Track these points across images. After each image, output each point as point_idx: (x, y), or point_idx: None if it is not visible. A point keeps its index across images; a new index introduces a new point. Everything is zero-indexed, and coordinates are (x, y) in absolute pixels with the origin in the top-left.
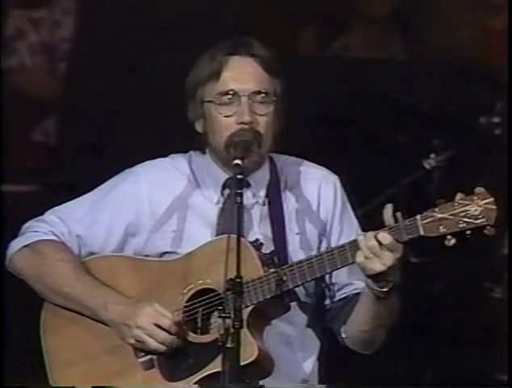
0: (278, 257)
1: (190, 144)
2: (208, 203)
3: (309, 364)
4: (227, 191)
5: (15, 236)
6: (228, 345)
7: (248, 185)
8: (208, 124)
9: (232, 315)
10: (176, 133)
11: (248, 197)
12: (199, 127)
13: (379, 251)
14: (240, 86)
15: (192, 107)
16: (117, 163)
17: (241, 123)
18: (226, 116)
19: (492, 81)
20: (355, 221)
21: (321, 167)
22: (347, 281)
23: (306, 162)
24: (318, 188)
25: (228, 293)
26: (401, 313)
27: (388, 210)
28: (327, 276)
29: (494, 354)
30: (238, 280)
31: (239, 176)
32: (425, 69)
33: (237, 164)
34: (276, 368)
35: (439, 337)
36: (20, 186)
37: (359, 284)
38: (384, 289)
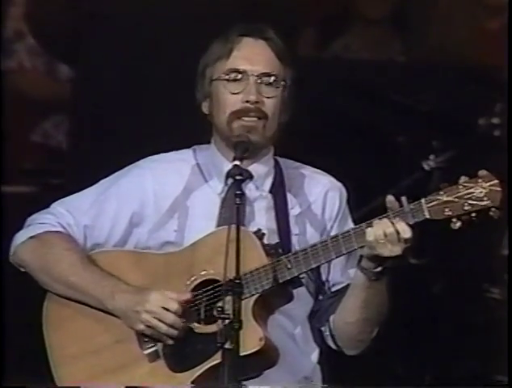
0: (282, 249)
1: (193, 137)
2: (213, 194)
3: (312, 360)
4: (230, 181)
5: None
6: (227, 346)
7: (250, 176)
8: (214, 102)
9: (232, 316)
10: (176, 135)
11: (251, 189)
12: (205, 108)
13: (394, 240)
14: (249, 67)
15: (200, 87)
16: (116, 164)
17: (247, 101)
18: (233, 93)
19: (491, 82)
20: None
21: (326, 174)
22: (340, 280)
23: (312, 168)
24: (325, 193)
25: (228, 293)
26: (401, 313)
27: (391, 198)
28: (322, 273)
29: (494, 355)
30: (237, 281)
31: (238, 177)
32: (425, 70)
33: (236, 165)
34: (280, 360)
35: (439, 337)
36: (19, 187)
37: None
38: (377, 270)
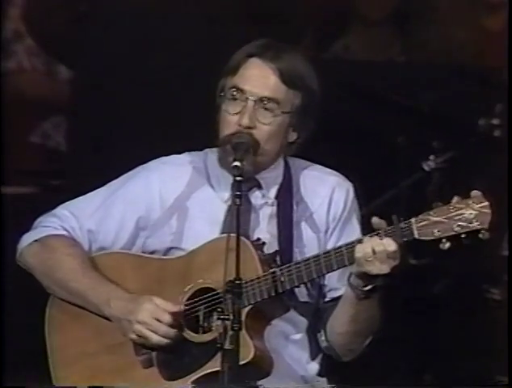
0: (281, 257)
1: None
2: (219, 201)
3: (312, 364)
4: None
5: (15, 238)
6: (227, 347)
7: (258, 185)
8: (220, 116)
9: (232, 317)
10: (176, 135)
11: (257, 197)
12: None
13: (383, 258)
14: (249, 89)
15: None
16: (116, 165)
17: (240, 125)
18: (230, 114)
19: (491, 82)
20: (358, 231)
21: (335, 173)
22: (336, 285)
23: (322, 168)
24: (331, 195)
25: (228, 294)
26: (401, 313)
27: (376, 219)
28: (321, 278)
29: (494, 355)
30: (238, 281)
31: (238, 178)
32: (425, 70)
33: (235, 166)
34: (280, 365)
35: (439, 338)
36: (19, 188)
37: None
38: (366, 288)
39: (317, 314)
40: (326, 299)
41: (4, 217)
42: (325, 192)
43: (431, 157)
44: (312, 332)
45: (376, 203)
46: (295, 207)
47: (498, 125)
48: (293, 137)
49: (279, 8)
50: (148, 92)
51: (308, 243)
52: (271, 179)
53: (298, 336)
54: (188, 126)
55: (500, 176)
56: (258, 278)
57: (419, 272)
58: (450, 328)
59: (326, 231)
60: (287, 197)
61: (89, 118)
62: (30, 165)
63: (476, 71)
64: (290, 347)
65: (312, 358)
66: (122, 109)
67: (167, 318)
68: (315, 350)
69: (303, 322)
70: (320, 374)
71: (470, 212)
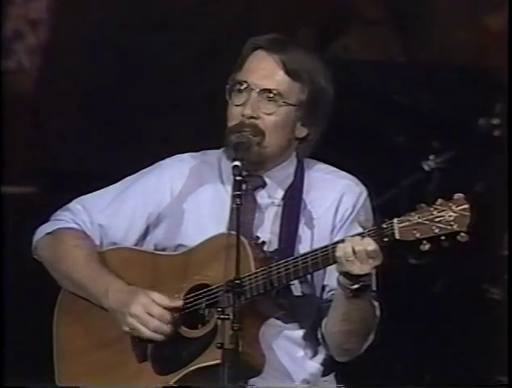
0: (280, 256)
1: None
2: (229, 197)
3: (313, 364)
4: (244, 186)
5: (15, 237)
6: (227, 347)
7: (264, 184)
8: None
9: (232, 317)
10: (176, 133)
11: (262, 196)
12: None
13: (363, 258)
14: (253, 81)
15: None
16: (116, 164)
17: (243, 115)
18: (235, 105)
19: (491, 82)
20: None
21: (348, 176)
22: (335, 286)
23: (335, 170)
24: (340, 198)
25: (228, 294)
26: (401, 313)
27: (362, 218)
28: (320, 278)
29: (494, 355)
30: (237, 281)
31: (238, 178)
32: (425, 70)
33: (235, 166)
34: (280, 366)
35: (439, 338)
36: (19, 188)
37: None
38: (354, 287)
39: (318, 313)
40: (325, 297)
41: (4, 217)
42: (334, 196)
43: (431, 157)
44: (313, 332)
45: (376, 202)
46: (302, 208)
47: (498, 125)
48: (302, 132)
49: (279, 8)
50: (151, 92)
51: (312, 243)
52: (280, 178)
53: (300, 337)
54: (189, 127)
55: (500, 176)
56: (250, 275)
57: (419, 272)
58: (450, 328)
59: (332, 231)
60: (295, 198)
61: (89, 118)
62: (30, 165)
63: (476, 71)
64: (291, 347)
65: (314, 358)
66: (123, 109)
67: (160, 312)
68: (316, 349)
69: (307, 321)
70: (322, 374)
71: (450, 215)
